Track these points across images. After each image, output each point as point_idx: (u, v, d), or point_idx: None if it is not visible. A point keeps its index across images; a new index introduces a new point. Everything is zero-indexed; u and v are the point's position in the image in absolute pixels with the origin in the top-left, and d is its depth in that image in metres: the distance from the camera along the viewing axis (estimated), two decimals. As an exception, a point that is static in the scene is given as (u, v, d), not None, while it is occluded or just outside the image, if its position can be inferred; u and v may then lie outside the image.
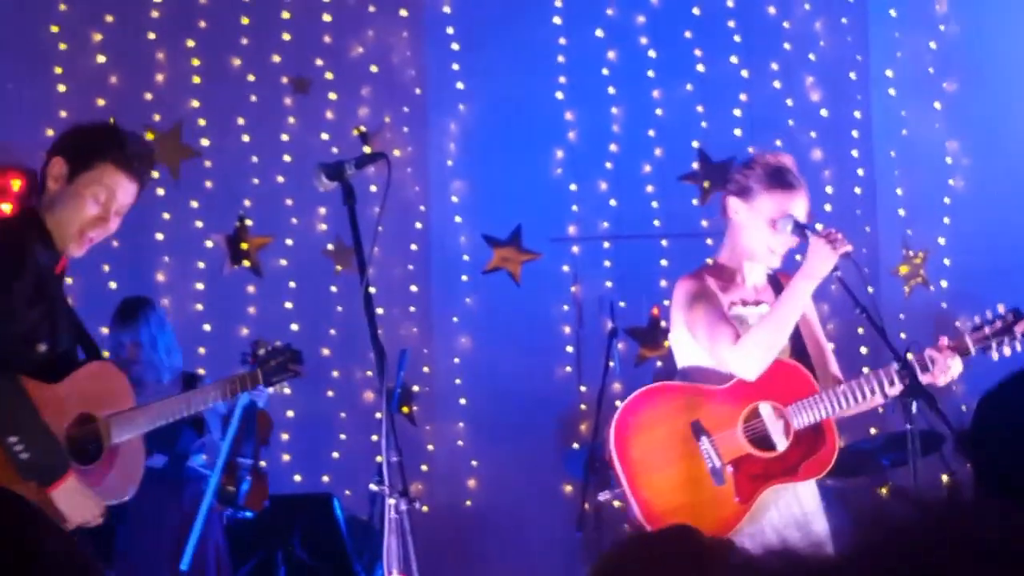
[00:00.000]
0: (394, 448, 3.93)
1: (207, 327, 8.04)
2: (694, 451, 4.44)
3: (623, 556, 2.06)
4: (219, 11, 8.33)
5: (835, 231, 4.40)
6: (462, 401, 8.38)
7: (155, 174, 4.46)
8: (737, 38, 8.62)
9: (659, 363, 8.08)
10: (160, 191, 8.24)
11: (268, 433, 6.76)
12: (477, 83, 8.49)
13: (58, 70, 8.13)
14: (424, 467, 8.23)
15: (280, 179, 8.32)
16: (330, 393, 8.27)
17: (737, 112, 8.57)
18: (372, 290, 4.13)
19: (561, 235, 8.48)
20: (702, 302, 4.51)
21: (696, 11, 8.62)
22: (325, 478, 8.09)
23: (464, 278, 8.46)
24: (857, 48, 8.66)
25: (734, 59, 8.60)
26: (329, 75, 8.43)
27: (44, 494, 4.02)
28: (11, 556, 1.44)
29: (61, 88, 8.11)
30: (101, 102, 8.16)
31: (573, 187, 8.51)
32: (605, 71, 8.56)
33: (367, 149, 8.13)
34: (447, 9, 8.55)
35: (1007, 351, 4.42)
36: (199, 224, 8.26)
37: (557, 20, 8.56)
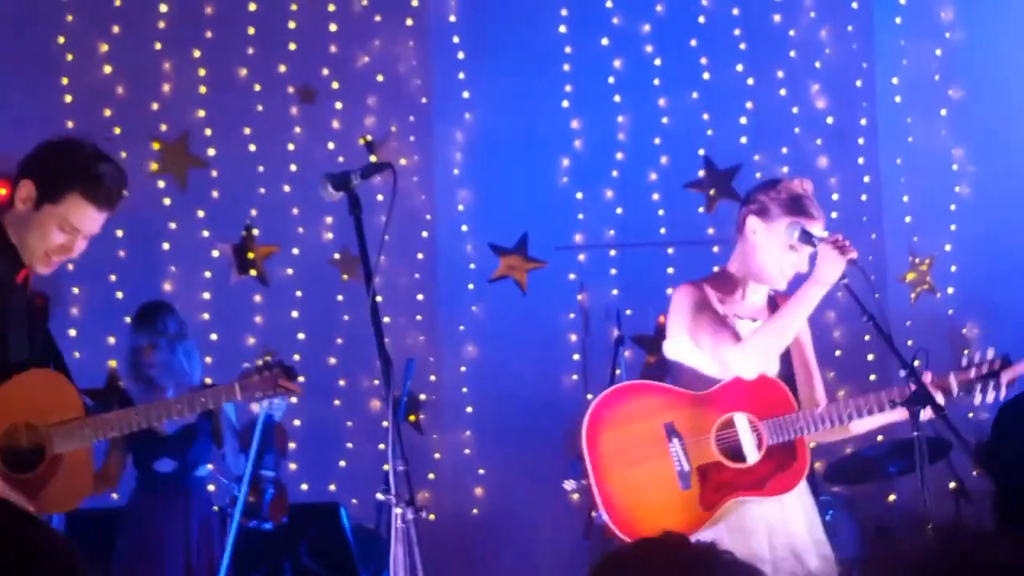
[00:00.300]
0: (401, 457, 3.93)
1: (214, 336, 8.05)
2: (664, 452, 4.46)
3: (620, 564, 2.07)
4: (225, 21, 8.35)
5: (842, 237, 4.43)
6: (469, 409, 8.38)
7: (125, 192, 4.38)
8: (743, 46, 8.63)
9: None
10: (167, 201, 8.25)
11: (285, 445, 6.79)
12: (483, 92, 8.50)
13: (65, 81, 8.15)
14: (431, 475, 8.23)
15: (286, 188, 8.33)
16: (337, 402, 8.27)
17: (743, 120, 8.58)
18: (379, 299, 4.14)
19: (567, 243, 8.49)
20: (705, 308, 4.56)
21: (702, 19, 8.63)
22: (332, 487, 8.10)
23: (470, 286, 8.46)
24: (863, 56, 8.66)
25: (740, 67, 8.60)
26: (335, 85, 8.44)
27: None
28: (11, 556, 1.45)
29: (68, 98, 8.13)
30: (108, 112, 8.18)
31: (579, 195, 8.51)
32: (611, 79, 8.57)
33: (373, 158, 8.14)
34: (453, 18, 8.57)
35: (990, 397, 4.43)
36: (206, 233, 8.27)
37: (563, 29, 8.57)
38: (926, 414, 4.38)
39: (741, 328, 4.60)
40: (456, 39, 8.55)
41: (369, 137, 8.40)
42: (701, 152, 8.54)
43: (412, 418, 8.23)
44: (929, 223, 8.55)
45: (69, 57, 8.19)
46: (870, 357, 8.22)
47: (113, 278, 8.07)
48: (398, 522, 3.92)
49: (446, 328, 8.43)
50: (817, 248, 4.44)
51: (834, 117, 8.64)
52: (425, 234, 8.46)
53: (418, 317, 8.42)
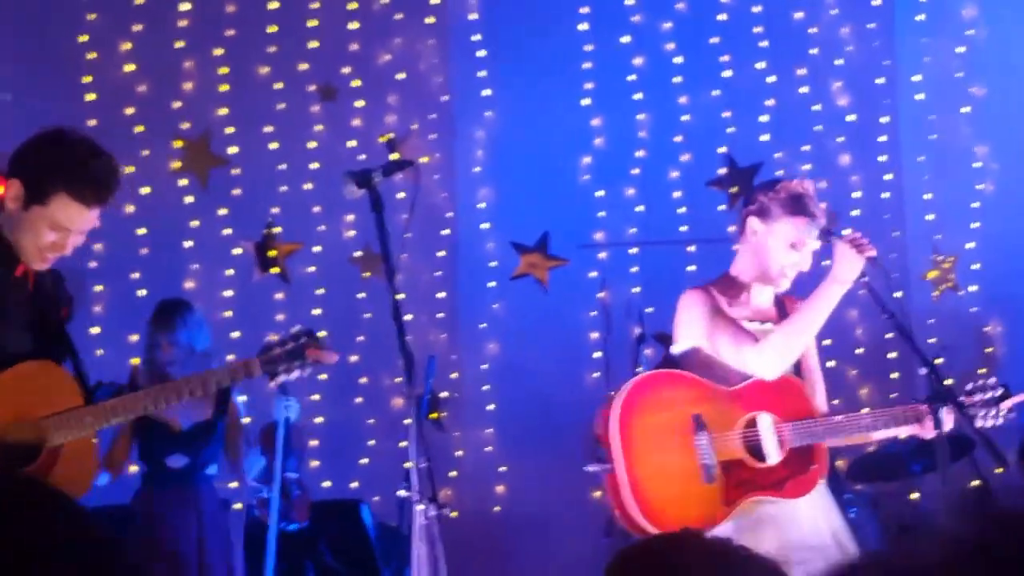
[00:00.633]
0: (423, 454, 3.93)
1: (235, 334, 8.06)
2: (689, 443, 4.46)
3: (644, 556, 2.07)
4: (247, 20, 8.36)
5: (859, 235, 4.44)
6: (490, 407, 8.38)
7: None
8: (764, 44, 8.61)
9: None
10: (189, 199, 8.27)
11: (304, 446, 6.82)
12: (504, 90, 8.50)
13: (87, 79, 8.17)
14: (453, 473, 8.24)
15: (308, 186, 8.35)
16: (359, 400, 8.29)
17: (764, 118, 8.56)
18: (400, 296, 4.14)
19: (588, 241, 8.48)
20: (720, 313, 4.58)
21: (723, 17, 8.62)
22: (354, 484, 8.10)
23: (492, 284, 8.46)
24: (884, 53, 8.64)
25: (761, 65, 8.58)
26: (356, 83, 8.45)
27: None
28: (39, 536, 1.44)
29: (90, 97, 8.16)
30: (130, 111, 8.20)
31: (600, 193, 8.51)
32: (632, 77, 8.56)
33: (394, 156, 8.15)
34: (474, 16, 8.57)
35: (989, 423, 4.51)
36: (227, 232, 8.29)
37: (584, 27, 8.57)
38: (947, 414, 4.40)
39: (754, 331, 4.61)
40: (477, 37, 8.55)
41: (391, 135, 8.41)
42: (722, 150, 8.53)
43: (434, 415, 8.23)
44: (952, 221, 8.53)
45: (91, 56, 8.21)
46: (892, 355, 8.20)
47: (136, 276, 8.09)
48: (420, 519, 3.93)
49: (467, 326, 8.44)
50: (834, 247, 4.46)
51: (856, 115, 8.62)
52: (446, 232, 8.47)
53: (440, 315, 8.43)
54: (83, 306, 7.66)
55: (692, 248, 8.51)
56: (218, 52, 8.34)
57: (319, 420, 8.11)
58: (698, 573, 2.01)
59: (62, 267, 4.40)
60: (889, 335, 7.95)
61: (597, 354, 8.40)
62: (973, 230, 8.53)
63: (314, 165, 8.35)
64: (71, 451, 4.12)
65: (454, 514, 7.86)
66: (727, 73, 8.59)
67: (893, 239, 8.33)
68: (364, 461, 8.21)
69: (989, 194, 8.53)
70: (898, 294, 4.45)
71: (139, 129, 8.16)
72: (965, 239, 8.53)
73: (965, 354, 8.11)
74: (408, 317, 7.52)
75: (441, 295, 8.45)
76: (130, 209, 8.06)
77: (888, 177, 8.60)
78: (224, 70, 8.35)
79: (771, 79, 8.59)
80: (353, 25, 8.47)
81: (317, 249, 8.36)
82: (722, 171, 8.53)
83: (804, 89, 8.61)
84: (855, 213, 8.42)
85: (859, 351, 8.22)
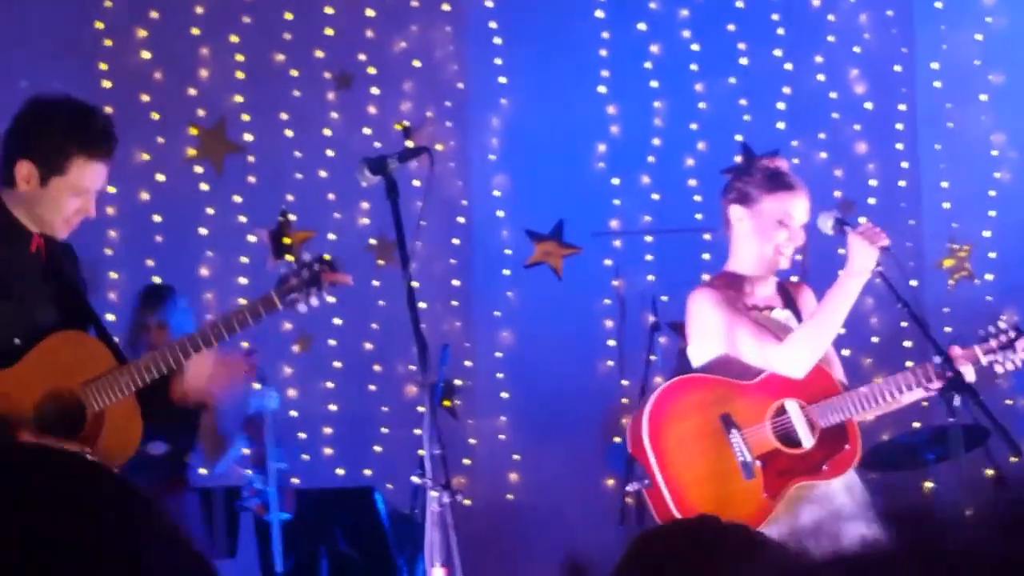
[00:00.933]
0: (436, 441, 3.94)
1: (250, 321, 8.06)
2: (723, 444, 4.46)
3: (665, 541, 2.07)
4: (262, 7, 8.36)
5: (872, 226, 4.43)
6: (504, 395, 8.38)
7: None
8: (781, 31, 8.58)
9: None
10: (204, 186, 8.28)
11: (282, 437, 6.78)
12: (519, 78, 8.49)
13: (103, 66, 8.18)
14: (466, 461, 8.24)
15: (323, 174, 8.35)
16: (372, 387, 8.29)
17: (781, 105, 8.53)
18: (415, 284, 4.14)
19: (603, 229, 8.47)
20: (735, 312, 4.56)
21: (740, 4, 8.59)
22: (367, 472, 8.11)
23: (506, 272, 8.46)
24: (902, 41, 8.61)
25: (778, 52, 8.56)
26: (372, 70, 8.44)
27: None
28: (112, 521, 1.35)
29: (106, 84, 8.16)
30: (145, 98, 8.21)
31: (615, 181, 8.49)
32: (648, 65, 8.54)
33: (409, 144, 8.14)
34: (489, 4, 8.55)
35: (1009, 366, 4.47)
36: (242, 219, 8.30)
37: (599, 14, 8.55)
38: (964, 364, 4.39)
39: (767, 321, 4.60)
40: (493, 24, 8.54)
41: (406, 123, 8.40)
42: (738, 138, 8.51)
43: (447, 403, 8.23)
44: (968, 209, 8.50)
45: (107, 43, 8.22)
46: (907, 344, 8.17)
47: (150, 263, 8.10)
48: (433, 506, 3.93)
49: (482, 314, 8.44)
50: (848, 239, 4.44)
51: (873, 103, 8.58)
52: (461, 220, 8.46)
53: (454, 303, 8.43)
54: (98, 292, 7.67)
55: (708, 236, 8.49)
56: (234, 39, 8.34)
57: (333, 407, 8.12)
58: (718, 555, 2.01)
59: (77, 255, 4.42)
60: (904, 324, 7.93)
61: (611, 342, 8.40)
62: (990, 218, 8.50)
63: (329, 153, 8.35)
64: (116, 414, 4.13)
65: (467, 502, 7.86)
66: (744, 60, 8.57)
67: (909, 227, 8.30)
68: (378, 449, 8.22)
69: (1006, 183, 8.50)
70: (913, 283, 4.44)
71: (155, 116, 8.16)
72: (981, 228, 8.50)
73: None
74: (422, 305, 7.51)
75: (455, 283, 8.45)
76: (145, 196, 8.08)
77: (904, 165, 8.57)
78: (240, 57, 8.35)
79: (788, 66, 8.56)
80: (369, 12, 8.46)
81: (332, 237, 8.36)
82: (738, 159, 8.51)
83: (821, 77, 8.58)
84: (871, 201, 8.40)
85: (875, 340, 8.20)
